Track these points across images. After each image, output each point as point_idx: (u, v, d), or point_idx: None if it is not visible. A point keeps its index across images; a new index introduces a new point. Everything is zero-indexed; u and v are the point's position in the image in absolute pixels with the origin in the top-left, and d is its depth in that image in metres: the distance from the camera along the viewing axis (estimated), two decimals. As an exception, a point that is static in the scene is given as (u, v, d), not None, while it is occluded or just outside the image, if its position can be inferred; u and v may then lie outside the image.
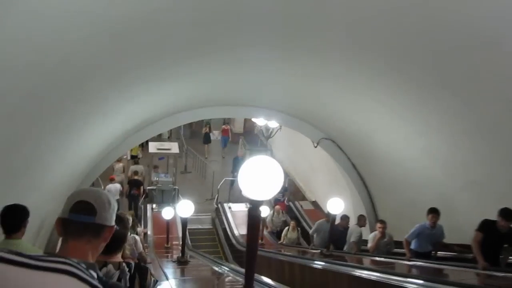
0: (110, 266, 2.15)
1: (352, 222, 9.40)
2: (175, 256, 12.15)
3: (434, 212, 7.12)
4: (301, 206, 15.88)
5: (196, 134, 23.04)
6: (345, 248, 8.92)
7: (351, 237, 8.70)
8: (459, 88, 6.11)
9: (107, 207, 1.71)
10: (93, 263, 1.62)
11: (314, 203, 16.36)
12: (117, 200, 13.27)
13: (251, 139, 23.14)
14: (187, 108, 9.05)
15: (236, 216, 14.90)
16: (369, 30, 5.25)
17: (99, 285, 0.93)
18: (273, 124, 14.27)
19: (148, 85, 6.43)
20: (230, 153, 20.88)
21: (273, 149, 20.98)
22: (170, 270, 7.30)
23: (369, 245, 8.15)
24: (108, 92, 5.68)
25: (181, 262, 7.63)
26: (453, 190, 7.84)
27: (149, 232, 13.28)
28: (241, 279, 6.44)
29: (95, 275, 1.48)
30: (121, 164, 15.94)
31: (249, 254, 2.97)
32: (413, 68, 6.26)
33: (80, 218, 1.63)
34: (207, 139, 21.41)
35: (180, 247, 12.81)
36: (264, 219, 12.73)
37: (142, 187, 14.97)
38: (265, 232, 13.17)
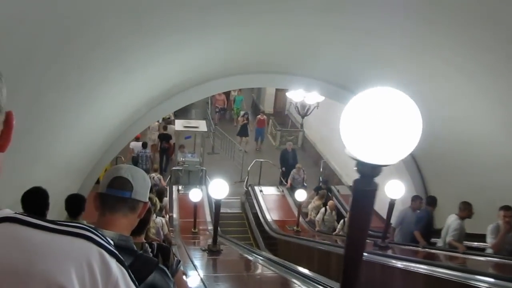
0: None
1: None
2: (202, 242, 11.25)
3: None
4: (338, 191, 14.62)
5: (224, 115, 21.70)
6: (440, 244, 7.18)
7: (449, 234, 6.71)
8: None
9: (143, 183, 1.80)
10: (128, 236, 1.76)
11: (352, 188, 15.09)
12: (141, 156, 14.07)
13: (281, 120, 21.97)
14: (219, 75, 7.85)
15: (267, 200, 13.79)
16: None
17: (115, 250, 0.86)
18: (311, 100, 13.01)
19: (177, 38, 5.27)
20: (266, 150, 18.81)
21: (304, 130, 19.78)
22: (200, 261, 6.23)
23: (490, 240, 6.04)
24: (129, 40, 4.55)
25: (213, 252, 6.54)
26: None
27: (174, 216, 12.30)
28: (287, 277, 5.32)
29: (134, 247, 1.78)
30: (156, 123, 15.86)
31: (351, 259, 1.77)
32: (504, 19, 4.92)
33: (117, 193, 1.74)
34: (244, 132, 18.25)
35: (208, 233, 11.89)
36: (300, 204, 11.57)
37: (170, 142, 15.55)
38: (301, 219, 12.00)
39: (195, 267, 5.33)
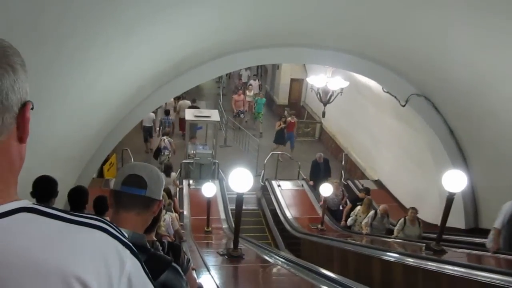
0: None
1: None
2: (216, 242, 10.11)
3: None
4: (362, 186, 13.40)
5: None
6: None
7: None
8: None
9: (157, 181, 1.80)
10: (142, 234, 1.77)
11: (377, 182, 13.87)
12: (150, 127, 15.07)
13: (296, 111, 20.74)
14: (239, 48, 6.64)
15: (286, 196, 12.60)
16: None
17: (129, 243, 0.88)
18: (334, 85, 11.75)
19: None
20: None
21: (322, 121, 18.58)
22: (218, 270, 5.06)
23: None
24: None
25: (233, 257, 5.36)
26: None
27: (185, 213, 11.16)
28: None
29: (147, 245, 1.83)
30: (172, 100, 16.40)
31: None
32: None
33: (131, 191, 1.74)
34: (280, 139, 15.94)
35: (222, 232, 10.74)
36: (326, 199, 10.34)
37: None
38: (326, 217, 10.78)
39: (213, 280, 4.16)
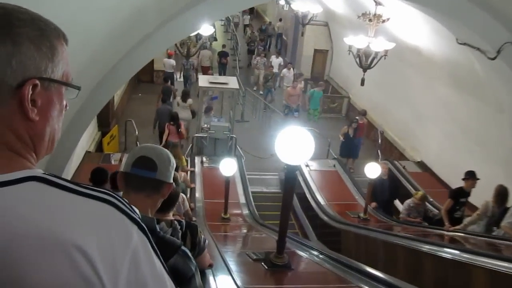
0: (163, 224, 1.98)
1: None
2: (234, 234, 8.27)
3: None
4: (404, 167, 11.45)
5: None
6: None
7: None
8: None
9: (167, 164, 1.79)
10: (152, 218, 1.77)
11: (421, 164, 11.88)
12: (171, 73, 15.76)
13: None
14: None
15: (316, 178, 10.68)
16: None
17: (138, 218, 0.84)
18: (377, 46, 9.66)
19: None
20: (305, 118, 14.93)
21: (350, 96, 16.63)
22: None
23: None
24: None
25: (276, 267, 3.46)
26: None
27: (197, 195, 9.31)
28: None
29: (157, 228, 1.79)
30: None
31: None
32: None
33: (141, 173, 1.74)
34: (349, 150, 11.99)
35: (242, 219, 8.88)
36: (374, 185, 8.33)
37: (228, 58, 18.87)
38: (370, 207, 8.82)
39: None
